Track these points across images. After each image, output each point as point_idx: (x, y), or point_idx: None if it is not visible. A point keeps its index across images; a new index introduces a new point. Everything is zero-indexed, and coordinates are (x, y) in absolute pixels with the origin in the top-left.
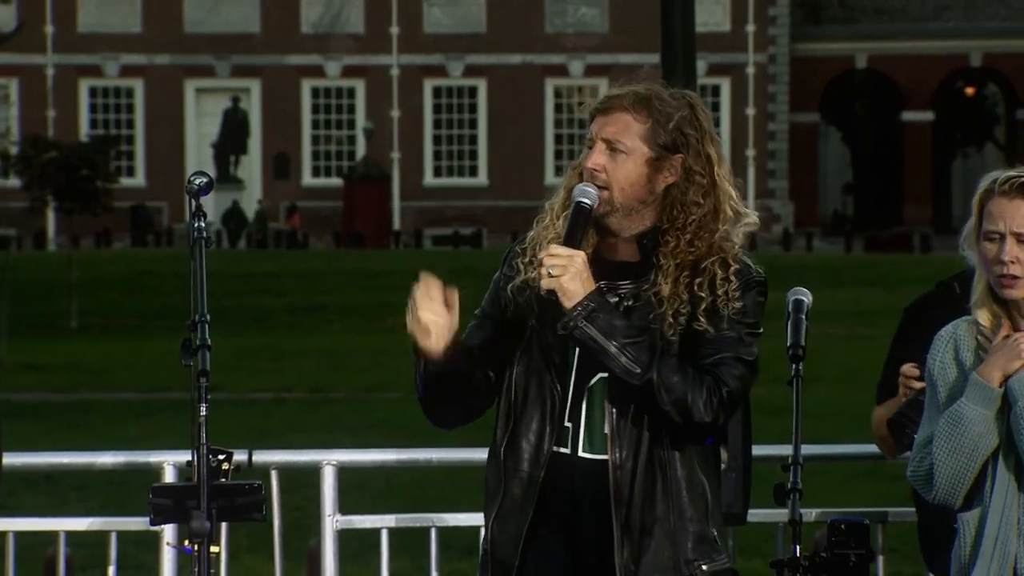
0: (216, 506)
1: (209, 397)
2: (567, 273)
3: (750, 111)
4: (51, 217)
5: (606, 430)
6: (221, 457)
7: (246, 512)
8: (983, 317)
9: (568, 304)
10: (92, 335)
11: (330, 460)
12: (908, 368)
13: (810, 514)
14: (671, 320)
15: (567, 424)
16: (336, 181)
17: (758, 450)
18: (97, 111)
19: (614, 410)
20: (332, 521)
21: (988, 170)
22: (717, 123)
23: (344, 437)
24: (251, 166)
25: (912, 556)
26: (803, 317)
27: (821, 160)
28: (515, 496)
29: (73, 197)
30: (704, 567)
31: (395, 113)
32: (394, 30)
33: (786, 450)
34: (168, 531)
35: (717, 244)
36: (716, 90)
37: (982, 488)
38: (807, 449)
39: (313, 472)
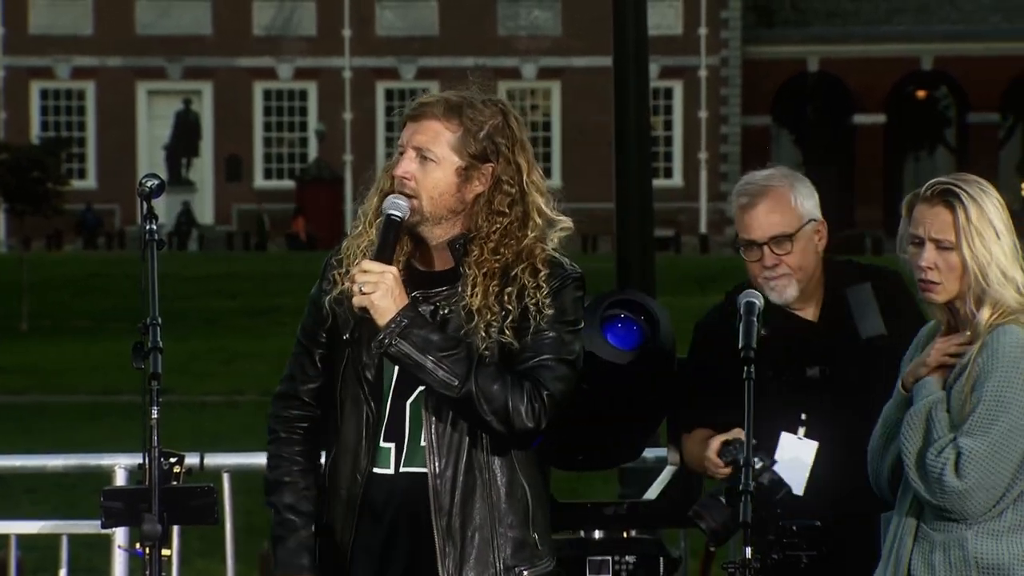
0: (168, 509)
1: (161, 400)
2: (378, 290)
3: (703, 114)
4: (2, 219)
5: (422, 442)
6: (172, 460)
7: (198, 515)
8: (937, 319)
9: (381, 321)
10: (43, 337)
11: None
12: (714, 457)
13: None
14: (483, 333)
15: (385, 444)
16: (288, 183)
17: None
18: (48, 113)
19: (433, 420)
20: None
21: (939, 172)
22: (669, 126)
23: None
24: (203, 168)
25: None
26: (754, 319)
27: (774, 163)
28: (337, 515)
29: (24, 199)
30: (525, 573)
31: (347, 115)
32: (346, 32)
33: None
34: (120, 534)
35: (526, 250)
36: (669, 93)
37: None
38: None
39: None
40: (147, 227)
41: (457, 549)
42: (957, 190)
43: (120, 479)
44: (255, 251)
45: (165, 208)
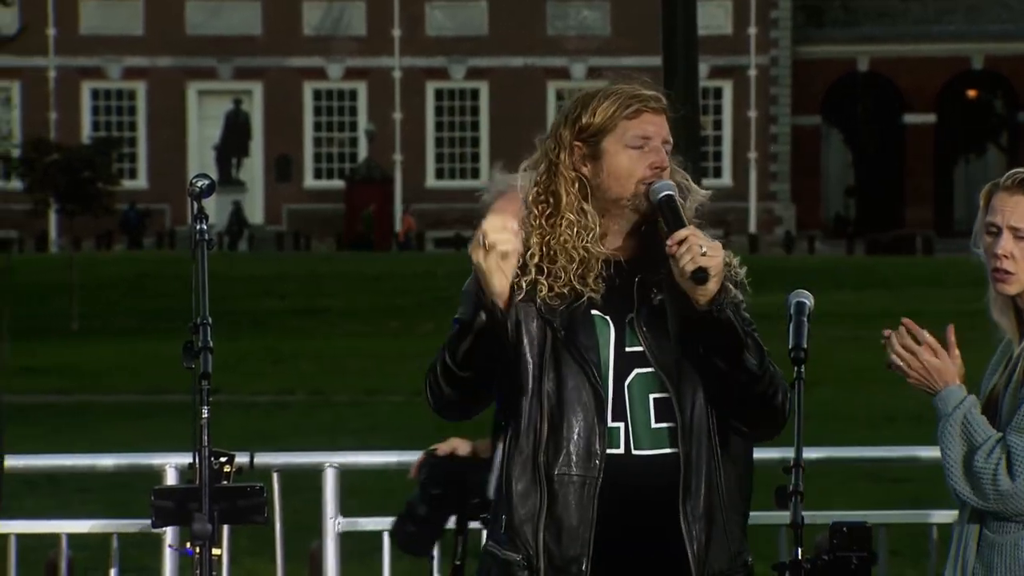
0: (218, 508)
1: (211, 399)
2: (719, 255)
3: (752, 114)
4: (53, 219)
5: (654, 424)
6: (223, 459)
7: (248, 514)
8: (994, 314)
9: (716, 286)
10: (93, 337)
11: (332, 462)
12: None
13: (812, 517)
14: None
15: (614, 424)
16: (338, 183)
17: (759, 452)
18: (99, 113)
19: (666, 403)
20: (334, 523)
21: (990, 173)
22: (719, 125)
23: (345, 440)
24: (253, 168)
25: (913, 559)
26: (805, 319)
27: (823, 163)
28: (567, 502)
29: (75, 199)
30: (748, 559)
31: (397, 115)
32: (396, 32)
33: (788, 453)
34: (170, 533)
35: None
36: (718, 93)
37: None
38: (809, 452)
39: (315, 474)
40: (197, 227)
41: (704, 533)
42: None
43: (171, 478)
44: (305, 251)
45: (215, 208)
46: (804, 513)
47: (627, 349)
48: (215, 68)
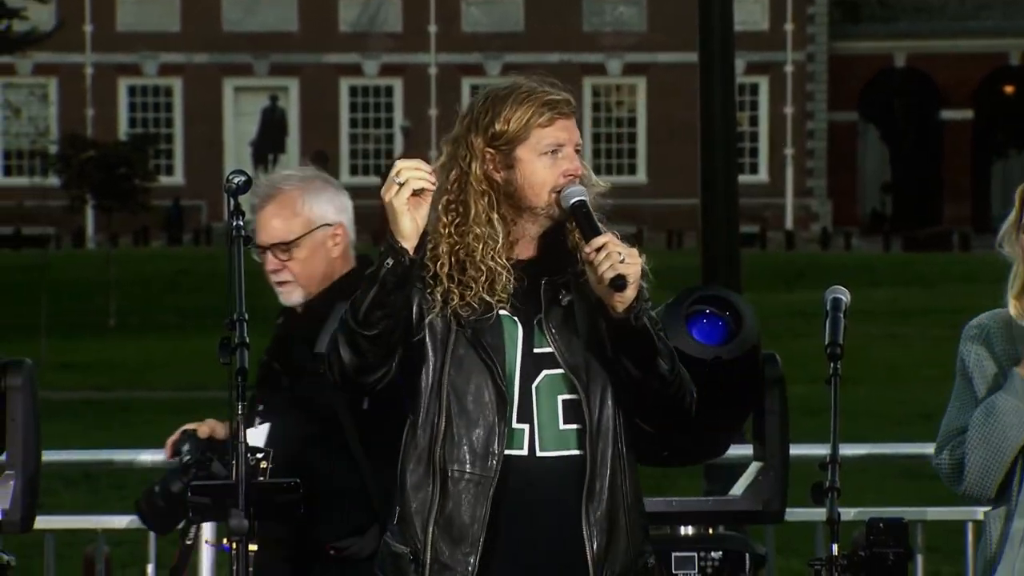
0: (254, 505)
1: (247, 396)
2: (637, 263)
3: (788, 110)
4: (90, 215)
5: (562, 426)
6: (259, 455)
7: (284, 511)
8: (1016, 310)
9: (633, 293)
10: (130, 333)
11: None
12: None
13: (848, 513)
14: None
15: (519, 425)
16: (374, 179)
17: (796, 449)
18: (136, 110)
19: (573, 406)
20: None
21: None
22: (755, 122)
23: None
24: (289, 164)
25: (951, 555)
26: (841, 316)
27: (860, 159)
28: (459, 500)
29: (112, 195)
30: (651, 561)
31: (433, 112)
32: (432, 29)
33: (824, 449)
34: (207, 529)
35: None
36: (755, 89)
37: (1010, 485)
38: (845, 448)
39: None
40: (234, 223)
41: (604, 535)
42: None
43: None
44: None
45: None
46: (840, 509)
47: (536, 350)
48: (251, 64)
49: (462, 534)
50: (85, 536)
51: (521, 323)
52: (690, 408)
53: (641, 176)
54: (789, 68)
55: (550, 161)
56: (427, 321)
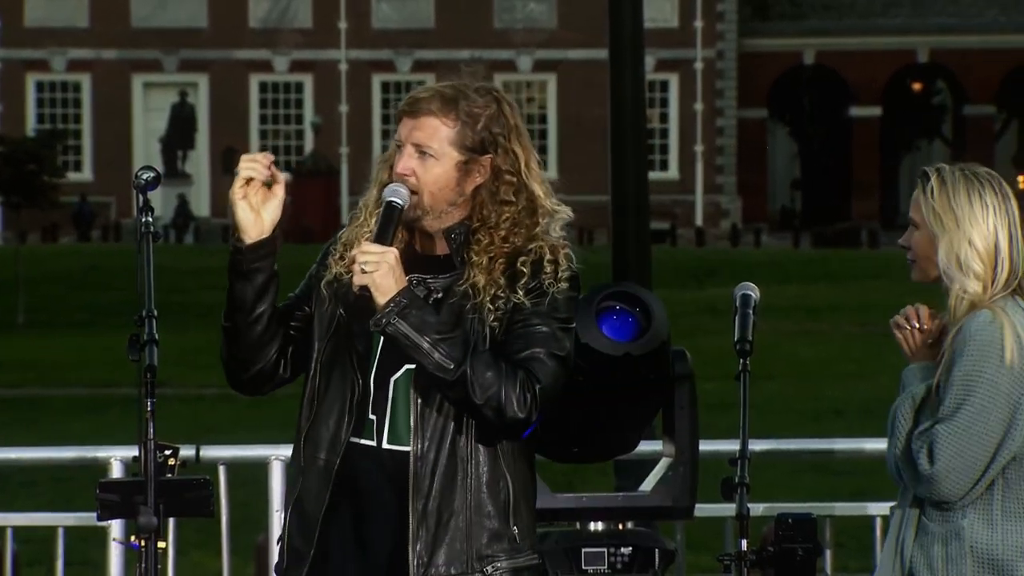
0: (163, 501)
1: (156, 392)
2: (380, 269)
3: (698, 106)
4: None
5: (411, 422)
6: (168, 452)
7: (194, 507)
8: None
9: (381, 300)
10: (39, 330)
11: (278, 455)
12: None
13: (757, 509)
14: (490, 306)
15: (371, 416)
16: (284, 176)
17: (705, 445)
18: (44, 105)
19: (419, 401)
20: (280, 516)
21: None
22: (665, 119)
23: (291, 433)
24: (199, 161)
25: (859, 551)
26: (750, 312)
27: (769, 156)
28: (311, 484)
29: (20, 192)
30: (499, 565)
31: (343, 108)
32: (342, 25)
33: (733, 445)
34: (115, 527)
35: (537, 237)
36: (664, 85)
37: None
38: (754, 444)
39: (261, 467)
40: (143, 219)
41: (430, 533)
42: (930, 170)
43: (116, 471)
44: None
45: (161, 201)
46: (750, 505)
47: None
48: (160, 60)
49: (306, 521)
50: None
51: None
52: (487, 410)
53: (552, 173)
54: (699, 65)
55: (396, 158)
56: (318, 307)
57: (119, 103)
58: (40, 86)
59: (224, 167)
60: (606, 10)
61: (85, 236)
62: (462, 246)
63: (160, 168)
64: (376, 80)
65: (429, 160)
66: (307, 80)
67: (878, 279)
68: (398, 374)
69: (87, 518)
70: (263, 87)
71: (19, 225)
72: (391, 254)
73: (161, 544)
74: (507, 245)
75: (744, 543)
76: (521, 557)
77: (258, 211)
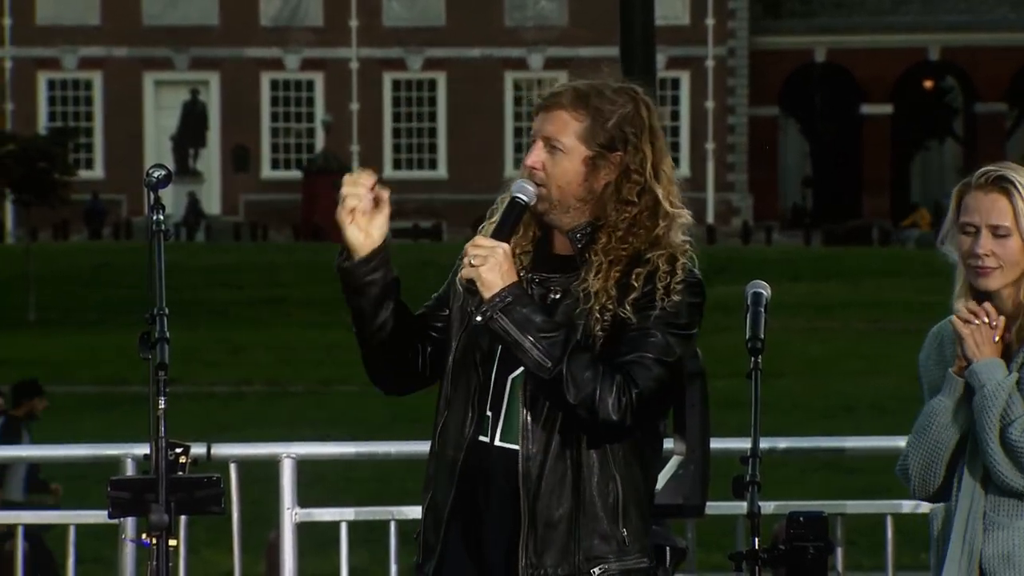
0: (175, 499)
1: (167, 390)
2: (487, 264)
3: (709, 104)
4: (9, 210)
5: (520, 421)
6: (179, 450)
7: (205, 505)
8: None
9: (486, 295)
10: (50, 328)
11: (289, 453)
12: None
13: (768, 507)
14: (597, 315)
15: (488, 413)
16: (295, 174)
17: (717, 443)
18: (55, 103)
19: (531, 401)
20: (291, 514)
21: (947, 163)
22: (676, 116)
23: (303, 430)
24: (210, 159)
25: (871, 549)
26: (762, 310)
27: (780, 153)
28: (441, 480)
29: (31, 190)
30: (608, 567)
31: (354, 106)
32: (353, 23)
33: (744, 443)
34: (127, 524)
35: (662, 240)
36: (675, 83)
37: (951, 484)
38: (765, 442)
39: (272, 465)
40: (154, 217)
41: (539, 533)
42: (1012, 177)
43: (128, 469)
44: (262, 242)
45: (172, 198)
46: (761, 503)
47: None
48: (171, 58)
49: (436, 517)
50: (5, 531)
51: None
52: (580, 411)
53: None
54: (710, 63)
55: (527, 152)
56: (454, 309)
57: (130, 101)
58: (51, 84)
59: (235, 165)
60: (617, 7)
61: (96, 234)
62: (586, 247)
63: (171, 166)
64: (387, 78)
65: (558, 154)
66: (318, 78)
67: (889, 276)
68: (516, 372)
69: (99, 516)
70: (274, 85)
71: (30, 223)
72: (500, 249)
73: (172, 542)
74: (625, 246)
75: (756, 541)
76: (630, 560)
77: (367, 231)
